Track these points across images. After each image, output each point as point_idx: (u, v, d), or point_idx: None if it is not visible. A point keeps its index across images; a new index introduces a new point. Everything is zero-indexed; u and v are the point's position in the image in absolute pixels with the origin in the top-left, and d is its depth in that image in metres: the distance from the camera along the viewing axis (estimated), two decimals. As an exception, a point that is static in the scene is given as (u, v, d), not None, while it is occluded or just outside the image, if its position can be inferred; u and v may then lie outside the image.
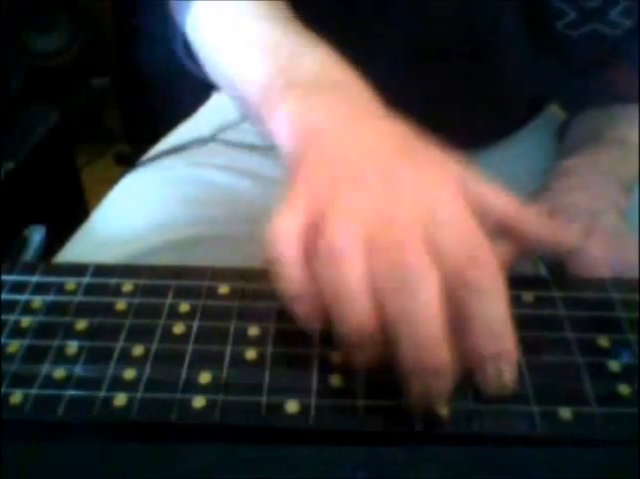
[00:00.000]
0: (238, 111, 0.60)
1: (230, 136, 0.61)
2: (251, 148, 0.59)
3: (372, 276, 0.27)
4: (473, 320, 0.27)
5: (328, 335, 0.29)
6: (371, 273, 0.27)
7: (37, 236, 0.88)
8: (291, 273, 0.29)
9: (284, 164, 0.35)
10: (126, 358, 0.30)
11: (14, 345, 0.30)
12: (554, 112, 0.64)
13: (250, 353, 0.30)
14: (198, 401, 0.28)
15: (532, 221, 0.33)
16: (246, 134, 0.61)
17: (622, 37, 0.48)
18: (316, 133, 0.33)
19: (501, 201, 0.32)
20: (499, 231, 0.32)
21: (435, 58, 0.52)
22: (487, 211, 0.31)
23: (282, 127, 0.35)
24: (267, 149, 0.59)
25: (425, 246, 0.27)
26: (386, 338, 0.27)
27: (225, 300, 0.32)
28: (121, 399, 0.28)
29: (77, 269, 0.34)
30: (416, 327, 0.26)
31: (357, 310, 0.27)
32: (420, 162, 0.31)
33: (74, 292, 0.33)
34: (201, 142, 0.61)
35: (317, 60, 0.38)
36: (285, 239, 0.29)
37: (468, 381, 0.28)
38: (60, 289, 0.33)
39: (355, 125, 0.34)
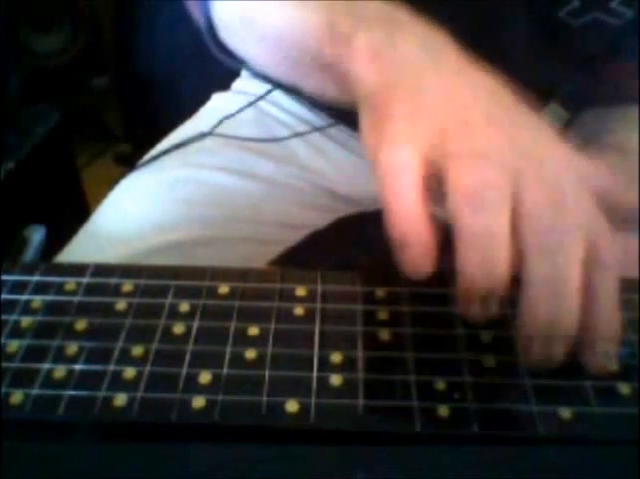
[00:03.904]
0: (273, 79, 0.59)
1: (227, 129, 0.61)
2: (248, 142, 0.59)
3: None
4: (596, 298, 0.27)
5: (325, 335, 0.29)
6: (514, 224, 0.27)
7: (37, 236, 0.88)
8: (411, 206, 0.27)
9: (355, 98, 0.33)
10: (126, 358, 0.30)
11: (14, 345, 0.30)
12: (554, 112, 0.64)
13: (250, 353, 0.30)
14: (198, 401, 0.28)
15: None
16: (243, 127, 0.60)
17: (623, 28, 0.48)
18: (404, 67, 0.32)
19: (601, 172, 0.31)
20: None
21: None
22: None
23: (361, 59, 0.33)
24: (263, 141, 0.59)
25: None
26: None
27: (225, 300, 0.32)
28: (121, 399, 0.28)
29: (77, 269, 0.34)
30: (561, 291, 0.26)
31: (500, 257, 0.26)
32: (523, 116, 0.31)
33: (74, 292, 0.33)
34: (199, 137, 0.60)
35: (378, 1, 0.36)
36: (405, 169, 0.27)
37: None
38: (60, 289, 0.33)
39: (448, 68, 0.32)
